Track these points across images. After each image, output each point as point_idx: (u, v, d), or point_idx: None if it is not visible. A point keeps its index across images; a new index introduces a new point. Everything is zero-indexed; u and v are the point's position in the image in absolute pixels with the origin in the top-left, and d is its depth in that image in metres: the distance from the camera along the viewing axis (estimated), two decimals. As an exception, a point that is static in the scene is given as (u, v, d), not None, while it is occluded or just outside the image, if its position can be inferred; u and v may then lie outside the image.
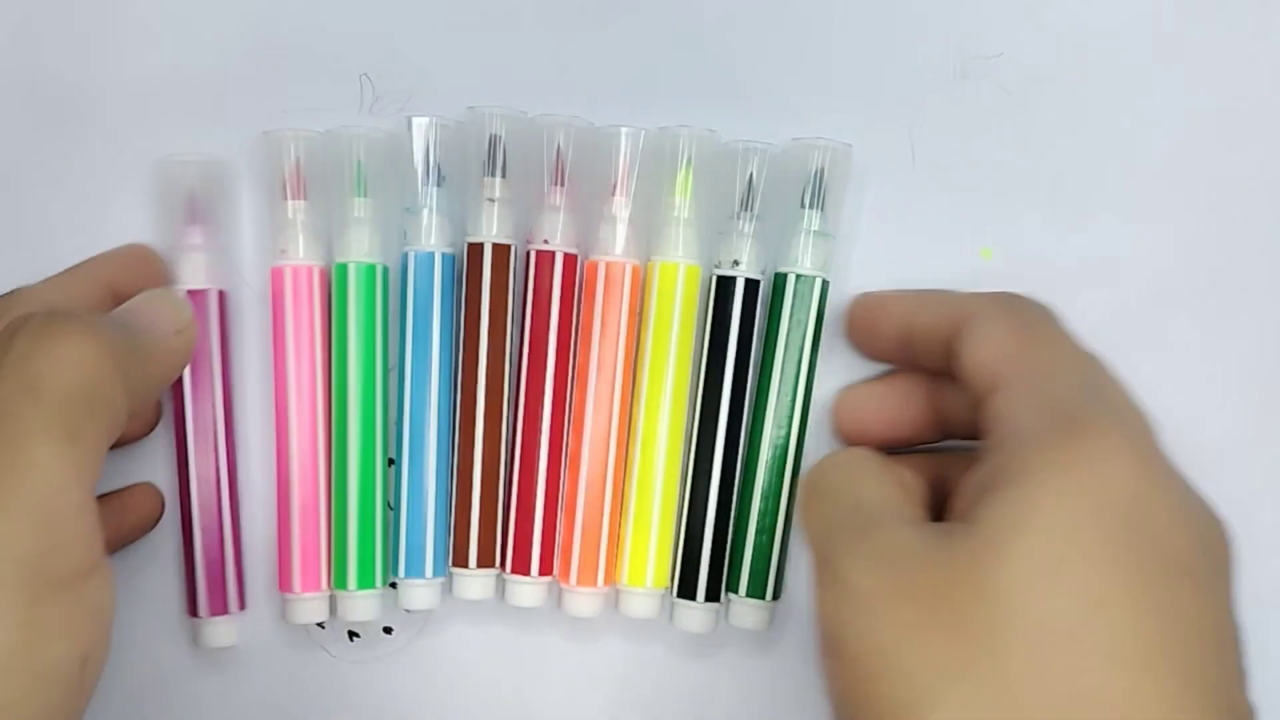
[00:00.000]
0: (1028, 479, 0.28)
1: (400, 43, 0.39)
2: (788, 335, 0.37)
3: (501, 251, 0.37)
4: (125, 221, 0.39)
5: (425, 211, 0.37)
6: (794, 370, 0.37)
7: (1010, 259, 0.39)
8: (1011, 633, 0.26)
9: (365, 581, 0.37)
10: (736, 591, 0.37)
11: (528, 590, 0.38)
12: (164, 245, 0.38)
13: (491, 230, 0.37)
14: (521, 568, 0.37)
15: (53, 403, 0.29)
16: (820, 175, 0.37)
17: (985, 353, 0.32)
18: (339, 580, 0.37)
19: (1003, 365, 0.32)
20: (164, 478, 0.38)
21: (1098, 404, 0.30)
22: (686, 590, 0.38)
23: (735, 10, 0.39)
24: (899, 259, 0.39)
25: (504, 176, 0.37)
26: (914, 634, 0.27)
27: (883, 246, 0.39)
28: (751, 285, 0.37)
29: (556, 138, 0.37)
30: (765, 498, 0.37)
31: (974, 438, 0.34)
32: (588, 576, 0.37)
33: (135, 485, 0.38)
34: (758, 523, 0.37)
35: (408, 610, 0.38)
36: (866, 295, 0.38)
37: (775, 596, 0.38)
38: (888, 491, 0.32)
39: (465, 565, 0.37)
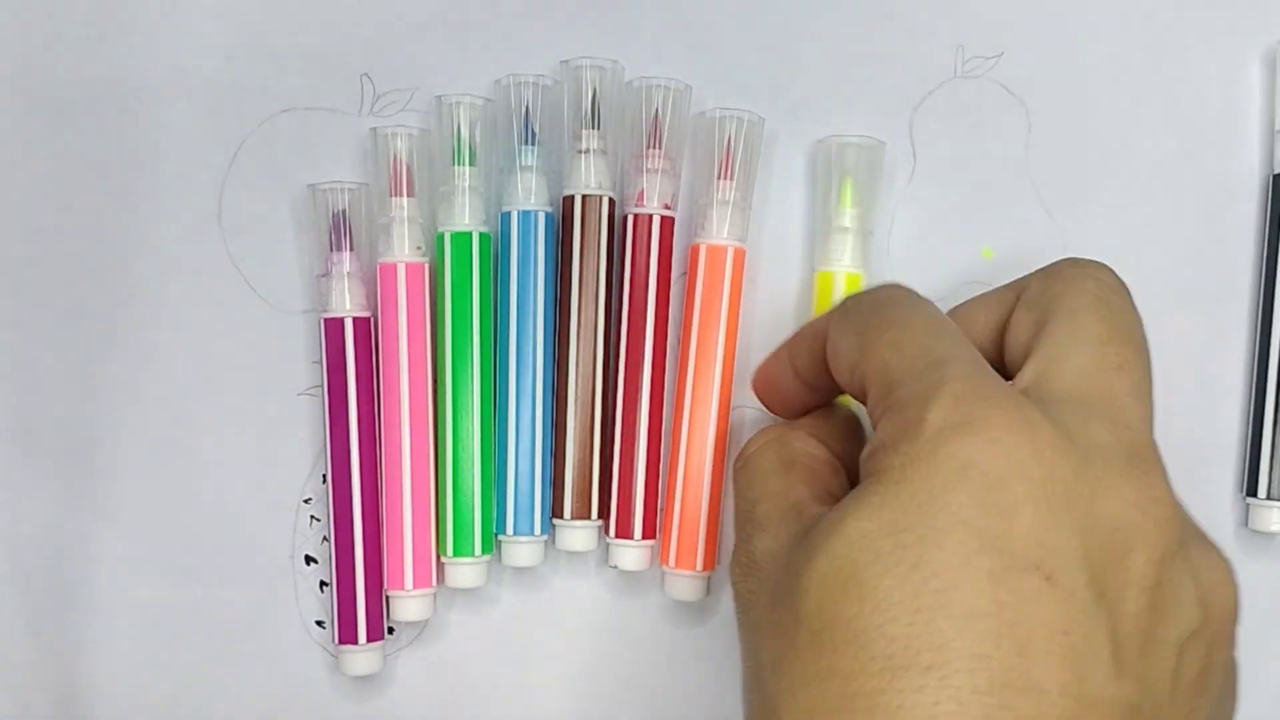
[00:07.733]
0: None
1: (400, 43, 0.39)
2: None
3: (592, 203, 0.37)
4: (126, 220, 0.39)
5: (520, 170, 0.37)
6: None
7: (1010, 259, 0.39)
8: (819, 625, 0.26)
9: (465, 549, 0.37)
10: None
11: (631, 554, 0.37)
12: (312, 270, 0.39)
13: (586, 181, 0.37)
14: (624, 531, 0.37)
15: None
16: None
17: (841, 365, 0.31)
18: (447, 548, 0.38)
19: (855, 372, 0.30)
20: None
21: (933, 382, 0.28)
22: None
23: (735, 10, 0.39)
24: (898, 259, 0.39)
25: (598, 128, 0.37)
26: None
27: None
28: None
29: (655, 101, 0.37)
30: None
31: None
32: (686, 559, 0.37)
33: None
34: None
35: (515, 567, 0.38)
36: (761, 368, 0.36)
37: None
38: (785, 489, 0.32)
39: (571, 517, 0.37)
